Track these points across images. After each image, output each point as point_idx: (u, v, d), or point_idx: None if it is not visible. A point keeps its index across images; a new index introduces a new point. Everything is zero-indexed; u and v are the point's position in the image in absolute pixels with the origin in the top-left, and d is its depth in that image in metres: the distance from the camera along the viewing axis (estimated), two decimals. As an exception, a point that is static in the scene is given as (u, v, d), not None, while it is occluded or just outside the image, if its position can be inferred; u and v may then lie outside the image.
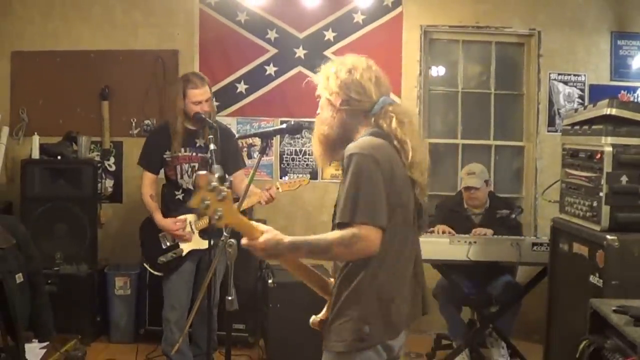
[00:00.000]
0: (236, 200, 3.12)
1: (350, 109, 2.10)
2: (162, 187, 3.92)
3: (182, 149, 3.75)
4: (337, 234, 1.93)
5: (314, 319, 2.20)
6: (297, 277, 2.18)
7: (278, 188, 3.73)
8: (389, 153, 2.00)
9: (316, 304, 2.30)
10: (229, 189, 1.87)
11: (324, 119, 2.14)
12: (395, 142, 2.04)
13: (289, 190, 3.82)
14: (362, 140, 2.02)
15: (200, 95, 3.66)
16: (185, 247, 3.75)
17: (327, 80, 2.13)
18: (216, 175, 1.86)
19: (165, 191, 3.88)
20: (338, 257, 2.03)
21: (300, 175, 3.75)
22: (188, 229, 3.75)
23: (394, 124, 2.05)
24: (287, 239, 1.96)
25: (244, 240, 1.97)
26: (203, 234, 3.73)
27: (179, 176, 3.77)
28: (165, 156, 3.77)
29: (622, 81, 5.00)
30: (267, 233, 1.96)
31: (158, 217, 3.74)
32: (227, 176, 3.32)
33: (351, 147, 1.98)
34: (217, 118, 4.28)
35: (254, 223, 1.99)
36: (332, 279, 2.17)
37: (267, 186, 3.73)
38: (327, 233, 1.97)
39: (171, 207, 3.78)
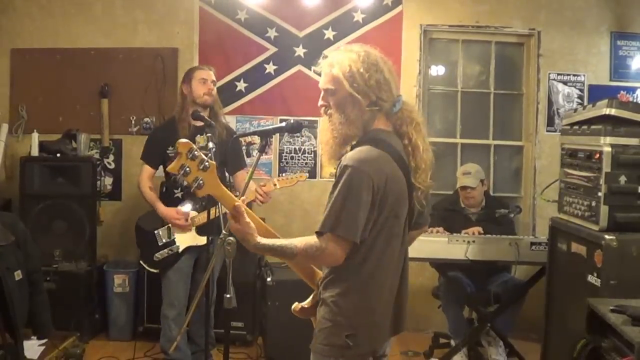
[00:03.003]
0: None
1: (377, 109, 2.03)
2: (161, 186, 3.92)
3: None
4: (303, 244, 1.95)
5: (296, 305, 2.21)
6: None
7: (275, 185, 3.64)
8: (383, 167, 1.95)
9: (315, 302, 2.31)
10: (212, 161, 1.90)
11: (351, 120, 2.01)
12: (406, 142, 2.04)
13: (287, 187, 3.70)
14: (360, 150, 1.96)
15: (205, 74, 3.81)
16: (182, 244, 3.74)
17: (352, 77, 1.99)
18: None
19: (164, 189, 3.88)
20: (304, 264, 2.09)
21: (298, 173, 3.70)
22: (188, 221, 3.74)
23: (411, 127, 2.05)
24: (256, 239, 1.99)
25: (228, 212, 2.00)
26: (201, 230, 3.73)
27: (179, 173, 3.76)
28: (168, 152, 3.78)
29: (621, 81, 5.00)
30: (247, 226, 1.98)
31: (160, 207, 3.75)
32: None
33: (348, 158, 1.95)
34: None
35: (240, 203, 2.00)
36: (320, 271, 2.18)
37: (262, 183, 3.63)
38: (295, 240, 1.97)
39: (170, 205, 3.77)
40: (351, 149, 2.04)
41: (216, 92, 3.90)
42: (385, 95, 2.02)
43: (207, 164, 1.88)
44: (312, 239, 1.94)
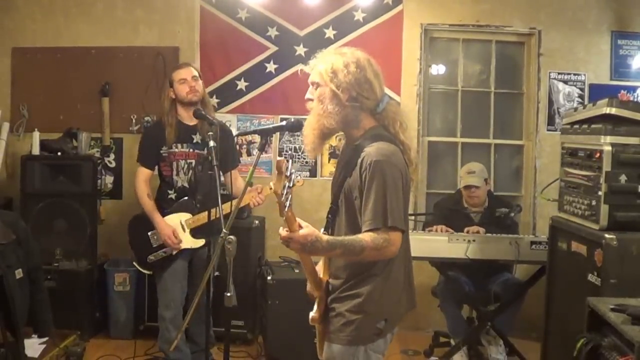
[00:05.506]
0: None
1: (357, 105, 2.13)
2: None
3: (179, 145, 3.73)
4: (369, 237, 2.00)
5: (314, 316, 2.23)
6: (303, 268, 2.21)
7: (271, 188, 3.68)
8: (402, 159, 2.09)
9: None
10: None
11: (328, 112, 2.14)
12: (400, 145, 2.13)
13: None
14: (382, 147, 2.05)
15: (184, 74, 3.72)
16: None
17: (333, 73, 2.12)
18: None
19: (158, 190, 3.85)
20: (367, 259, 2.07)
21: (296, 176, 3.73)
22: (181, 234, 3.69)
23: (397, 127, 2.15)
24: (325, 237, 2.01)
25: (283, 232, 1.99)
26: (196, 232, 3.72)
27: (174, 172, 3.74)
28: (162, 151, 3.75)
29: (622, 81, 5.00)
30: (307, 228, 1.99)
31: (157, 219, 3.68)
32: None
33: (373, 154, 2.03)
34: (217, 115, 4.26)
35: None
36: (324, 277, 2.23)
37: (259, 189, 3.66)
38: (360, 235, 2.03)
39: (164, 206, 3.75)
40: (353, 148, 2.13)
41: (202, 86, 3.79)
42: (367, 93, 2.12)
43: (293, 182, 1.87)
44: (376, 233, 1.99)
